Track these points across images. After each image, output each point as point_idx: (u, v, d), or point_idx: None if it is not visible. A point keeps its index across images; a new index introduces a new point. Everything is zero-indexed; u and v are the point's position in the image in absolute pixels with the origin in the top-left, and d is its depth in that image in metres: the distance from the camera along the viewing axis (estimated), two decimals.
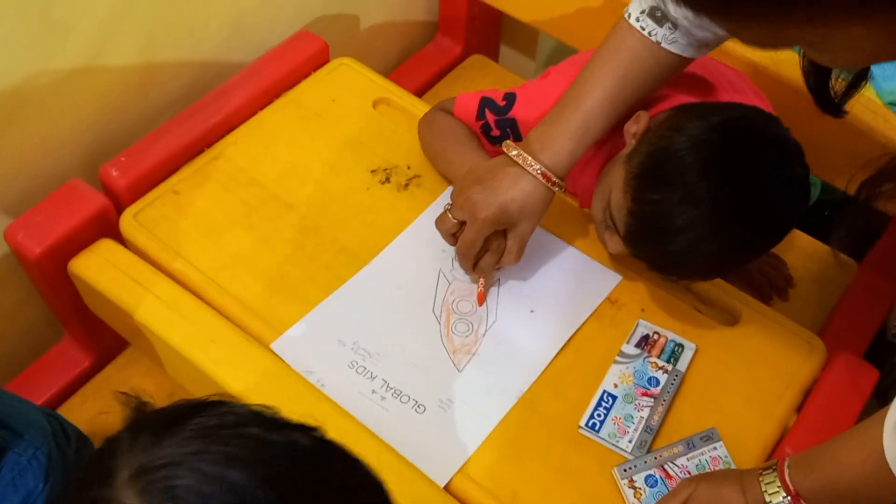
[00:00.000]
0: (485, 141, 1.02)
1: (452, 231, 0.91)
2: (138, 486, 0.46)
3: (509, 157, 0.88)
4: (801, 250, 1.30)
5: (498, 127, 1.00)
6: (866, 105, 1.13)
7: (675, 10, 0.84)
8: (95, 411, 1.06)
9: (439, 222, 0.92)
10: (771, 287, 1.21)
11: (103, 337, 1.08)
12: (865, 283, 1.22)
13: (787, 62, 1.12)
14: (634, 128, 0.89)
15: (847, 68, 0.68)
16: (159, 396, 1.09)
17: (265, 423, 0.51)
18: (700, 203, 0.80)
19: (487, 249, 0.91)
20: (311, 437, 0.51)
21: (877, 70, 1.32)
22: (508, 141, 0.90)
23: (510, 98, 1.00)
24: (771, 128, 0.85)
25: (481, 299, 0.95)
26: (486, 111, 1.00)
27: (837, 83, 0.72)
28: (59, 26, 0.91)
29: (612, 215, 0.88)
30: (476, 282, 0.95)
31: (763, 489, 0.74)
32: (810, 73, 0.71)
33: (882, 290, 1.18)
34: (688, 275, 0.91)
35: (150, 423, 0.50)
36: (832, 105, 0.74)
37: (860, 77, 0.70)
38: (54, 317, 1.09)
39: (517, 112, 0.99)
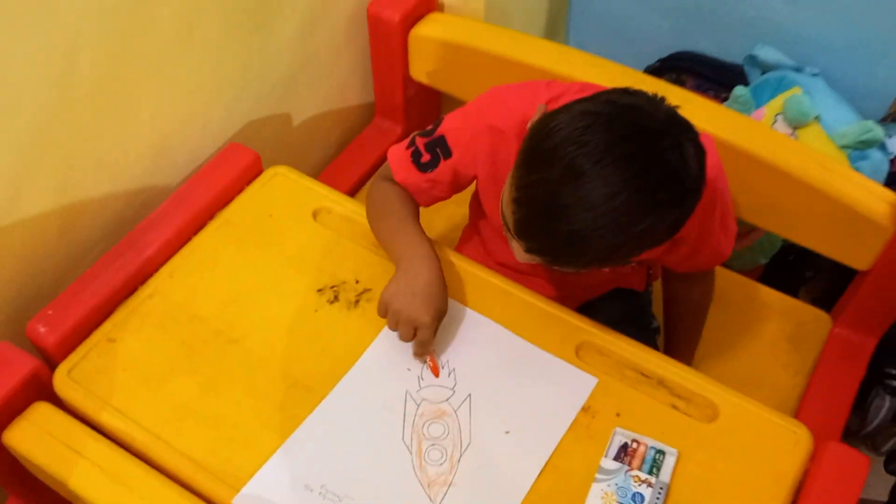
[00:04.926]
0: (416, 172, 0.98)
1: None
2: None
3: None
4: (771, 308, 1.26)
5: (427, 150, 0.97)
6: (820, 162, 1.10)
7: None
8: None
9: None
10: None
11: (53, 498, 1.00)
12: (841, 341, 1.19)
13: (738, 132, 1.10)
14: (532, 122, 0.83)
15: None
16: None
17: None
18: (581, 175, 0.74)
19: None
20: None
21: (825, 115, 1.30)
22: None
23: (438, 121, 0.98)
24: (658, 102, 0.78)
25: (437, 370, 0.94)
26: (416, 138, 0.99)
27: None
28: None
29: (506, 218, 0.82)
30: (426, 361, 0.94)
31: None
32: None
33: (859, 346, 1.14)
34: (590, 258, 0.79)
35: None
36: None
37: None
38: None
39: (445, 127, 0.97)
